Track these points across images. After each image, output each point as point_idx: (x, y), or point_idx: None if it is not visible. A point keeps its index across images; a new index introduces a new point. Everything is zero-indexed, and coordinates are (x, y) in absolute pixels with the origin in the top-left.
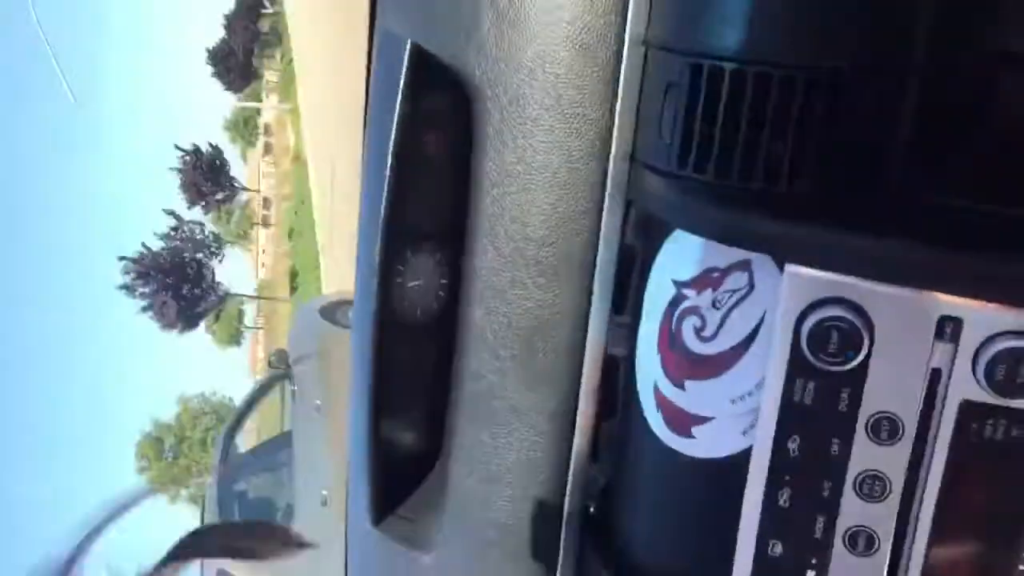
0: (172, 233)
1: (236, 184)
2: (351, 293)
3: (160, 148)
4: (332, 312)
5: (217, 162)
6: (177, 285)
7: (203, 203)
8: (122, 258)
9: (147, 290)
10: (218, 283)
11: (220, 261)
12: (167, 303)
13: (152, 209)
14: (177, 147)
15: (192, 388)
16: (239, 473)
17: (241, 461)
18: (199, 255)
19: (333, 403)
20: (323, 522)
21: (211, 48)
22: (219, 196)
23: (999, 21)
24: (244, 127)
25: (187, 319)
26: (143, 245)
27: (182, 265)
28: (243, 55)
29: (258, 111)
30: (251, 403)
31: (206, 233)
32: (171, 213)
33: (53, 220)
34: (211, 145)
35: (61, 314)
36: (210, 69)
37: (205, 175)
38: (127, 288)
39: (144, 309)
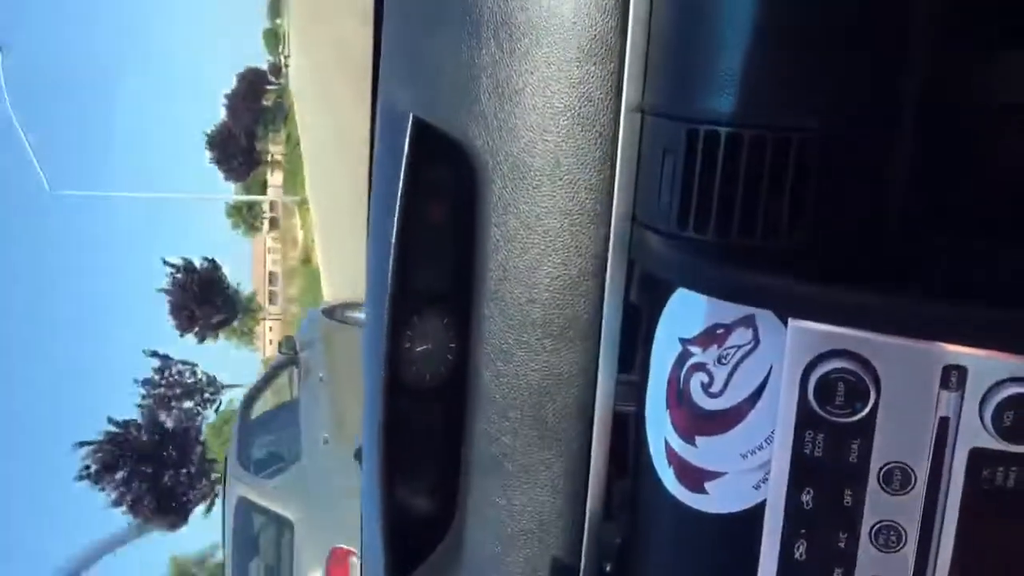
0: (156, 378)
1: (236, 300)
2: (351, 298)
3: (147, 255)
4: (333, 312)
5: (213, 280)
6: (156, 473)
7: (196, 329)
8: (81, 443)
9: (117, 477)
10: (210, 462)
11: (217, 410)
12: (142, 498)
13: (133, 337)
14: (165, 262)
15: (187, 543)
16: (254, 434)
17: (254, 424)
18: (189, 404)
19: (333, 375)
20: (326, 459)
21: (209, 132)
22: (215, 319)
23: (991, 73)
24: (248, 211)
25: (169, 516)
26: (109, 422)
27: (161, 441)
28: (245, 139)
29: (263, 203)
30: (266, 381)
31: (199, 375)
32: (154, 354)
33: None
34: (206, 259)
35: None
36: (208, 155)
37: (198, 297)
38: (87, 478)
39: (114, 504)
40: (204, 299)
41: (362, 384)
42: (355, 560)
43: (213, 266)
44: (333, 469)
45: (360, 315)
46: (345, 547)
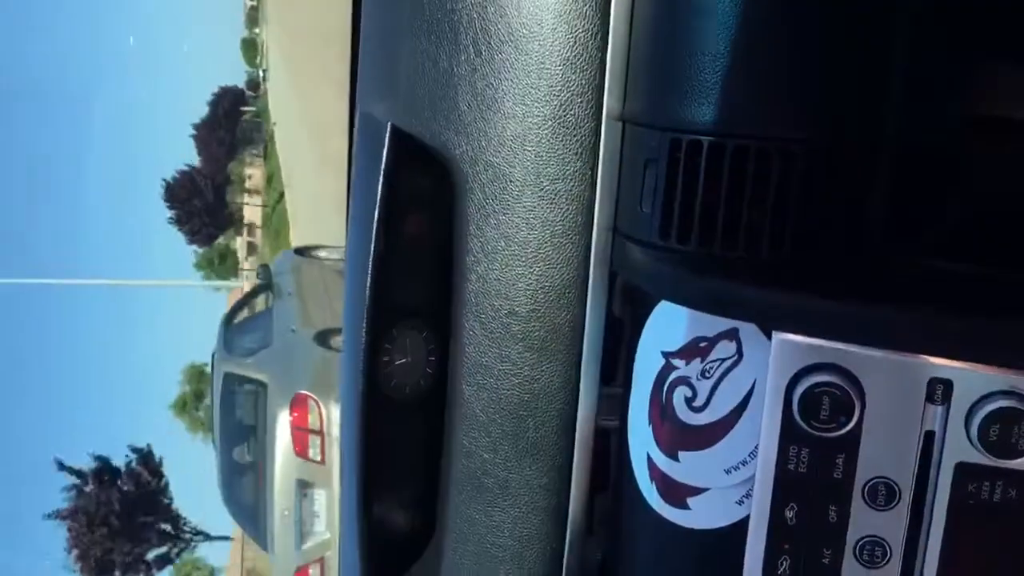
0: None
1: (186, 531)
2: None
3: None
4: (303, 251)
5: (147, 495)
6: None
7: (122, 555)
8: None
9: None
10: None
11: None
12: None
13: None
14: (62, 467)
15: None
16: (236, 333)
17: (235, 327)
18: None
19: (300, 291)
20: (293, 342)
21: (170, 181)
22: (153, 555)
23: (970, 88)
24: (220, 264)
25: None
26: None
27: None
28: (213, 191)
29: (239, 249)
30: (244, 302)
31: None
32: None
33: None
34: (135, 452)
35: None
36: (168, 212)
37: (119, 527)
38: None
39: None
40: (131, 531)
41: (324, 297)
42: (312, 402)
43: (147, 468)
44: (298, 348)
45: (324, 253)
46: (305, 392)
